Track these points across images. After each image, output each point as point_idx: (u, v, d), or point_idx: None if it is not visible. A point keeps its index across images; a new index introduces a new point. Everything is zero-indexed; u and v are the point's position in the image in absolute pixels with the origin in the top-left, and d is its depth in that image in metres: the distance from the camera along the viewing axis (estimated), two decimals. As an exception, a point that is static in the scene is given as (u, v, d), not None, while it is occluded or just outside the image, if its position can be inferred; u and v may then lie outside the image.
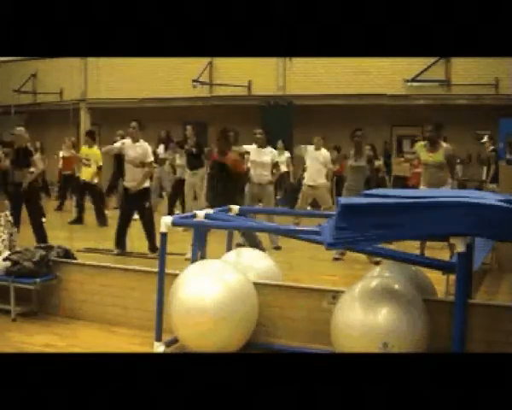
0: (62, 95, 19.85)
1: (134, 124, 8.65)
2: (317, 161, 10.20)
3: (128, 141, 8.72)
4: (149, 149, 8.74)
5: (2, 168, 11.43)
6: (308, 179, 10.26)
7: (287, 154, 14.63)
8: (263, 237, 8.47)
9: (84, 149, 12.07)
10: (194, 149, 10.53)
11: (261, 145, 9.38)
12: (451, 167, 7.92)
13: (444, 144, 7.94)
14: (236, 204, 6.20)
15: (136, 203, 8.62)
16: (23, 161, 8.53)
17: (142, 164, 8.48)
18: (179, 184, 11.52)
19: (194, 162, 10.54)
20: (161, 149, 12.65)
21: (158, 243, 6.13)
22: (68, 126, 18.85)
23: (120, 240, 8.61)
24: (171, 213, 10.93)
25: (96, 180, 11.90)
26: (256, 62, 15.84)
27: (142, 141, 8.64)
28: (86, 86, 19.49)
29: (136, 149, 8.56)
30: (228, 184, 8.26)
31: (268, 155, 9.38)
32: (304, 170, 11.13)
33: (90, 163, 11.77)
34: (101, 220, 11.60)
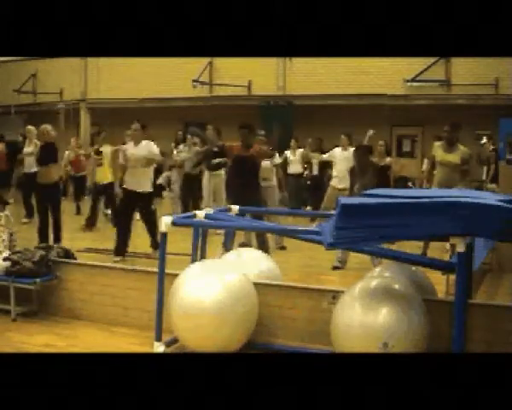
0: (62, 95, 19.85)
1: (136, 126, 8.44)
2: (346, 162, 9.28)
3: (130, 144, 8.50)
4: (154, 145, 8.47)
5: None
6: (339, 182, 9.50)
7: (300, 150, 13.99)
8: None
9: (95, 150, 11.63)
10: (217, 149, 10.12)
11: None
12: (466, 170, 7.87)
13: (462, 147, 7.91)
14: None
15: (143, 205, 8.40)
16: (49, 158, 8.61)
17: (149, 161, 8.29)
18: (189, 181, 11.36)
19: (216, 163, 10.28)
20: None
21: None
22: (68, 126, 18.85)
23: (123, 248, 8.30)
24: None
25: (110, 178, 11.38)
26: (256, 62, 15.83)
27: (144, 141, 8.42)
28: (86, 86, 19.49)
29: (140, 149, 8.30)
30: (252, 180, 7.82)
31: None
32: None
33: (103, 161, 11.38)
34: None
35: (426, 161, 10.97)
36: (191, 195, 11.35)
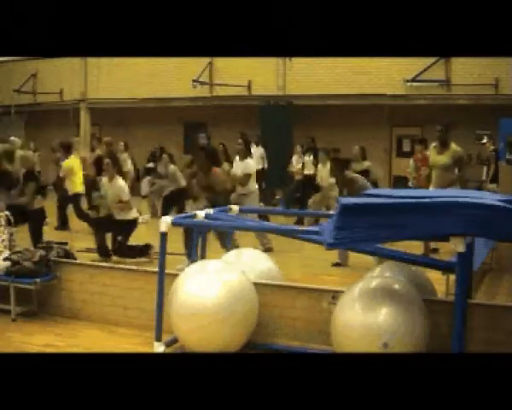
0: (62, 95, 19.85)
1: (107, 161, 8.43)
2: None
3: (105, 179, 8.47)
4: (125, 187, 8.33)
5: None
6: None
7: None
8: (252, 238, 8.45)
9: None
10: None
11: (241, 157, 9.19)
12: (459, 169, 7.92)
13: (453, 146, 7.95)
14: None
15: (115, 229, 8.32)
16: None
17: (120, 201, 8.19)
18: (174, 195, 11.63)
19: None
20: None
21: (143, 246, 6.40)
22: (68, 126, 18.86)
23: (106, 249, 8.32)
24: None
25: (77, 189, 11.06)
26: (256, 62, 15.85)
27: (117, 177, 8.33)
28: (86, 86, 19.48)
29: (112, 188, 8.26)
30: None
31: (240, 168, 9.08)
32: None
33: (65, 175, 11.01)
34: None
35: (411, 160, 11.03)
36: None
